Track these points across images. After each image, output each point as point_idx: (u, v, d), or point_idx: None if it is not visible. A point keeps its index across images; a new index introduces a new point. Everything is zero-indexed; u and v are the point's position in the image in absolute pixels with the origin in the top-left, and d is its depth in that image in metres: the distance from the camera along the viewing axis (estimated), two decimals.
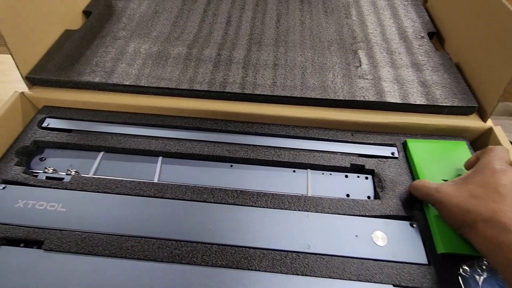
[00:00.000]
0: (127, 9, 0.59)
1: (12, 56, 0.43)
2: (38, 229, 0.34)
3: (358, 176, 0.41)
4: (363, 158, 0.42)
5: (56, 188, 0.38)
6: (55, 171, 0.40)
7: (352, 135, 0.44)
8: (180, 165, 0.42)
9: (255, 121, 0.45)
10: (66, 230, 0.34)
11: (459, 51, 0.51)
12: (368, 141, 0.44)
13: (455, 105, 0.44)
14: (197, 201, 0.37)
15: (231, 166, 0.42)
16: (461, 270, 0.32)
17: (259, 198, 0.37)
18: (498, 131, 0.42)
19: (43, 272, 0.32)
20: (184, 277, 0.32)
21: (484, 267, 0.32)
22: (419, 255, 0.34)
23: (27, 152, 0.42)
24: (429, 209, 0.35)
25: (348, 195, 0.40)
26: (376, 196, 0.39)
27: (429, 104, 0.44)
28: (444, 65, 0.49)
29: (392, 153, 0.43)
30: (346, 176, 0.41)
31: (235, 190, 0.38)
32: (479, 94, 0.45)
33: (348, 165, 0.41)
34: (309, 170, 0.42)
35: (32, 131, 0.43)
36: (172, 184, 0.39)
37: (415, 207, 0.37)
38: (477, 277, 0.32)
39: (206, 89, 0.45)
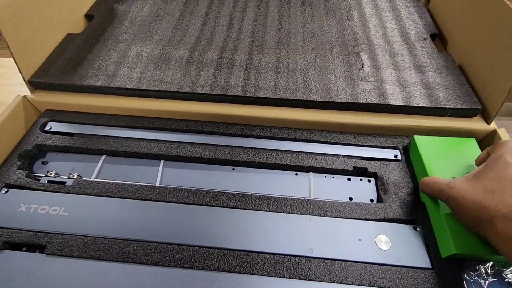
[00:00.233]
0: (129, 13, 0.59)
1: (14, 60, 0.43)
2: (40, 233, 0.34)
3: (361, 179, 0.41)
4: (366, 161, 0.42)
5: (58, 192, 0.38)
6: (57, 174, 0.40)
7: (355, 137, 0.44)
8: (182, 169, 0.42)
9: (257, 124, 0.45)
10: (68, 234, 0.34)
11: (462, 53, 0.50)
12: (371, 144, 0.43)
13: (459, 107, 0.43)
14: (199, 204, 0.37)
15: (233, 169, 0.42)
16: (465, 274, 0.32)
17: (261, 201, 0.37)
18: (502, 133, 0.42)
19: (45, 277, 0.32)
20: (186, 282, 0.31)
21: (488, 271, 0.32)
22: (423, 259, 0.33)
23: (30, 155, 0.42)
24: (440, 208, 0.34)
25: (351, 199, 0.39)
26: (379, 199, 0.39)
27: (433, 106, 0.44)
28: (447, 67, 0.49)
29: (395, 156, 0.42)
30: (349, 179, 0.41)
31: (237, 193, 0.38)
32: (483, 96, 0.45)
33: (351, 168, 0.41)
34: (311, 173, 0.41)
35: (35, 135, 0.44)
36: (174, 187, 0.38)
37: (418, 210, 0.37)
38: (481, 281, 0.31)
39: (208, 92, 0.45)
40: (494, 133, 0.42)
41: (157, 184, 0.40)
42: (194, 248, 0.34)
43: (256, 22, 0.58)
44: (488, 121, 0.43)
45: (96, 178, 0.40)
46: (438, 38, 0.57)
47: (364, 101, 0.44)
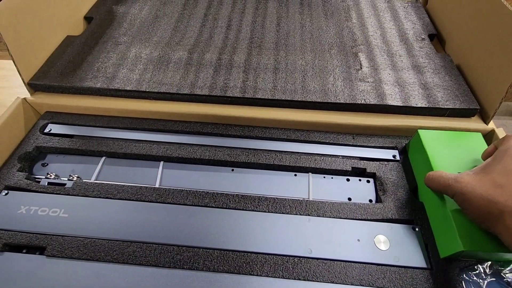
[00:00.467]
0: (128, 15, 0.59)
1: (14, 62, 0.44)
2: (41, 235, 0.34)
3: (360, 180, 0.41)
4: (365, 161, 0.42)
5: (58, 193, 0.38)
6: (57, 176, 0.41)
7: (353, 138, 0.44)
8: (182, 170, 0.42)
9: (256, 125, 0.45)
10: (68, 236, 0.34)
11: (460, 53, 0.50)
12: (370, 144, 0.43)
13: (457, 107, 0.44)
14: (199, 205, 0.37)
15: (232, 170, 0.42)
16: (464, 274, 0.32)
17: (260, 202, 0.37)
18: (501, 132, 0.42)
19: (46, 278, 0.32)
20: (186, 283, 0.32)
21: (487, 271, 0.32)
22: (421, 259, 0.33)
23: (30, 157, 0.43)
24: (443, 205, 0.33)
25: (349, 199, 0.39)
26: (378, 200, 0.39)
27: (431, 106, 0.44)
28: (445, 67, 0.49)
29: (394, 156, 0.42)
30: (348, 180, 0.41)
31: (236, 194, 0.38)
32: (481, 96, 0.45)
33: (350, 169, 0.41)
34: (310, 173, 0.42)
35: (35, 137, 0.44)
36: (173, 189, 0.39)
37: (417, 211, 0.37)
38: (480, 281, 0.31)
39: (207, 94, 0.45)
40: (492, 132, 0.43)
41: (157, 186, 0.40)
42: (193, 249, 0.34)
43: (255, 23, 0.58)
44: (486, 121, 0.44)
45: (96, 180, 0.41)
46: (436, 38, 0.57)
47: (363, 101, 0.44)
